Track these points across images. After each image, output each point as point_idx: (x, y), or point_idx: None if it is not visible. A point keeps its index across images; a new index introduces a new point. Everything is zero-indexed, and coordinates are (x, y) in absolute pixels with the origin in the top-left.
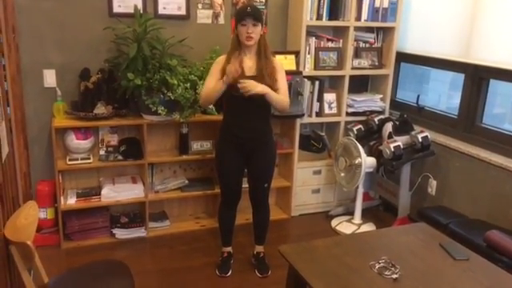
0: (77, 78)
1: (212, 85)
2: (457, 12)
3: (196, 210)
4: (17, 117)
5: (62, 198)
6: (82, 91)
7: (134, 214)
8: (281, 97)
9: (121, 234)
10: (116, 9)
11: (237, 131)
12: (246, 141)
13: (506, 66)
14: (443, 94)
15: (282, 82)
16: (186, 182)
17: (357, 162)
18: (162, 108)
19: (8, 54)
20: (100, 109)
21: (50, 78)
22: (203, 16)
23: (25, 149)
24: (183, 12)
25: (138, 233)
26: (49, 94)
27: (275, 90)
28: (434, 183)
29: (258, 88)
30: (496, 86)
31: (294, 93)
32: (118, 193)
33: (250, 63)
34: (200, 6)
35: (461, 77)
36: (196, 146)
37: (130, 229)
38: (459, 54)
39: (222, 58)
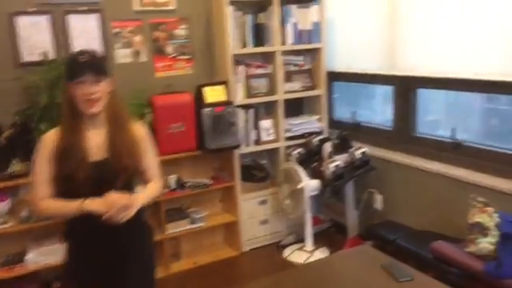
0: None
1: (44, 177)
2: (378, 26)
3: None
4: None
5: None
6: None
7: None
8: (153, 189)
9: None
10: (24, 57)
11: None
12: (102, 255)
13: (431, 74)
14: (378, 108)
15: (150, 158)
16: None
17: (299, 186)
18: None
19: None
20: (16, 166)
21: None
22: (122, 55)
23: None
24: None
25: None
26: None
27: (141, 172)
28: (379, 198)
29: (131, 210)
30: (428, 94)
31: (227, 124)
32: (47, 256)
33: (97, 139)
34: (118, 45)
35: (390, 89)
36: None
37: None
38: (386, 67)
39: (51, 135)
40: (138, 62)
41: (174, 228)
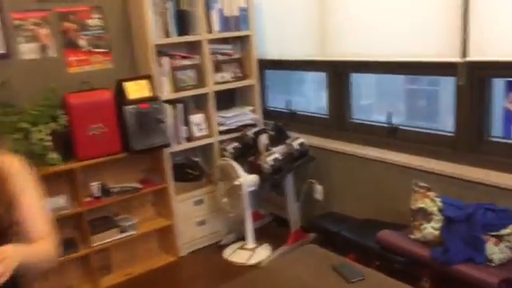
0: None
1: None
2: (307, 12)
3: (64, 279)
4: None
5: None
6: None
7: None
8: (38, 250)
9: None
10: None
11: None
12: None
13: (362, 57)
14: (313, 96)
15: (28, 205)
16: None
17: (237, 183)
18: None
19: None
20: None
21: None
22: (28, 50)
23: None
24: (2, 50)
25: None
26: None
27: (14, 227)
28: (319, 188)
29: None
30: (361, 79)
31: (154, 122)
32: None
33: None
34: (21, 39)
35: (323, 76)
36: (48, 204)
37: None
38: (318, 53)
39: None
40: (47, 57)
41: (102, 239)
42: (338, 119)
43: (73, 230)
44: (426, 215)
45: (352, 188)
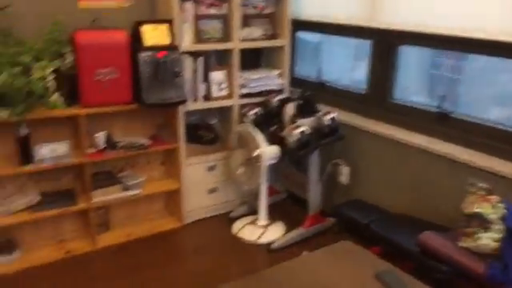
0: None
1: None
2: None
3: (58, 231)
4: None
5: None
6: None
7: None
8: None
9: None
10: None
11: None
12: None
13: (417, 28)
14: (349, 67)
15: None
16: (38, 198)
17: (256, 154)
18: None
19: None
20: None
21: None
22: None
23: None
24: None
25: None
26: None
27: None
28: (346, 171)
29: None
30: (412, 52)
31: (170, 74)
32: None
33: None
34: None
35: (366, 45)
36: (44, 151)
37: None
38: (365, 17)
39: None
40: None
41: (103, 195)
42: (378, 96)
43: (72, 181)
44: (483, 222)
45: (384, 176)
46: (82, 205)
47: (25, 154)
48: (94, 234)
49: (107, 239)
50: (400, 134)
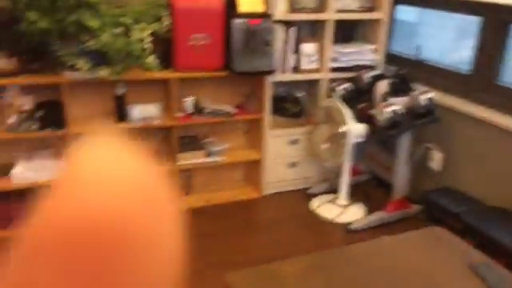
0: None
1: None
2: None
3: None
4: None
5: None
6: None
7: None
8: None
9: None
10: None
11: None
12: None
13: None
14: (449, 45)
15: None
16: None
17: (342, 130)
18: (84, 62)
19: None
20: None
21: None
22: None
23: None
24: None
25: None
26: None
27: None
28: (438, 157)
29: None
30: None
31: (261, 42)
32: (37, 172)
33: None
34: None
35: (472, 22)
36: (136, 110)
37: None
38: None
39: None
40: None
41: (187, 159)
42: (483, 78)
43: (160, 142)
44: None
45: (481, 166)
46: (167, 166)
47: (120, 112)
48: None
49: (187, 202)
50: (506, 121)
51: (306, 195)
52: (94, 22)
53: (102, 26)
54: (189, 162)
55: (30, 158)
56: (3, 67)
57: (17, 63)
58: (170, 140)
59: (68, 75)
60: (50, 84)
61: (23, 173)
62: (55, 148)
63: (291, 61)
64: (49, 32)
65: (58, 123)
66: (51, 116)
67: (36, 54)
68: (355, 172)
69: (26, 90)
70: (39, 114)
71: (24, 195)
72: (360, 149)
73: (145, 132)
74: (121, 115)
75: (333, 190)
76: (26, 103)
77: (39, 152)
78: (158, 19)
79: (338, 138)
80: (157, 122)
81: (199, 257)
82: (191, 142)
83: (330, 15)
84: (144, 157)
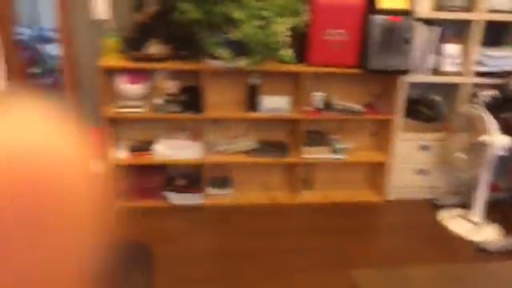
0: (130, 9)
1: None
2: None
3: (267, 179)
4: (67, 53)
5: (112, 150)
6: (134, 26)
7: (193, 177)
8: None
9: (175, 198)
10: None
11: None
12: None
13: None
14: None
15: None
16: (255, 145)
17: (483, 140)
18: (225, 51)
19: None
20: (153, 48)
21: (100, 6)
22: None
23: (73, 91)
24: None
25: (194, 199)
26: (99, 28)
27: None
28: None
29: None
30: None
31: (399, 40)
32: (174, 150)
33: None
34: None
35: None
36: (267, 101)
37: (185, 194)
38: None
39: None
40: None
41: (312, 153)
42: None
43: (287, 134)
44: None
45: None
46: (292, 158)
47: (251, 102)
48: (297, 189)
49: (308, 196)
50: None
51: (432, 205)
52: (238, 14)
53: (245, 17)
54: (313, 156)
55: (169, 137)
56: (156, 52)
57: (167, 50)
58: (297, 133)
59: (209, 63)
60: (193, 70)
61: (163, 150)
62: (191, 130)
63: (430, 61)
64: (198, 22)
65: (197, 107)
66: (192, 100)
67: (184, 42)
68: (493, 188)
69: (173, 74)
70: (182, 98)
71: (164, 169)
72: (502, 163)
73: (273, 124)
74: (252, 105)
75: (464, 205)
76: (172, 87)
77: (177, 132)
78: (298, 13)
79: (477, 149)
80: (286, 115)
81: (315, 253)
82: (317, 137)
83: (480, 15)
84: (57, 117)
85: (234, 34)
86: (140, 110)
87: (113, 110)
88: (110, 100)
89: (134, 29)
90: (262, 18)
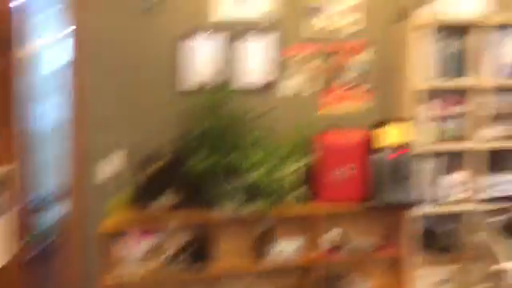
0: (140, 164)
1: None
2: None
3: None
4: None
5: None
6: (142, 180)
7: None
8: None
9: None
10: (182, 85)
11: None
12: None
13: None
14: None
15: None
16: None
17: (499, 267)
18: (234, 200)
19: None
20: (162, 201)
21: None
22: (288, 86)
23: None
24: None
25: None
26: (105, 187)
27: None
28: None
29: None
30: None
31: (402, 175)
32: None
33: None
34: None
35: None
36: (278, 247)
37: None
38: None
39: None
40: (303, 94)
41: None
42: None
43: (300, 280)
44: None
45: None
46: None
47: (259, 248)
48: None
49: None
50: None
51: None
52: (252, 160)
53: (254, 164)
54: None
55: None
56: (166, 205)
57: (175, 201)
58: (307, 280)
59: (217, 214)
60: (201, 222)
61: None
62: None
63: (433, 192)
64: (211, 171)
65: (203, 262)
66: (198, 255)
67: (191, 193)
68: None
69: (180, 228)
70: (187, 253)
71: None
72: None
73: (281, 271)
74: (260, 252)
75: None
76: (176, 244)
77: None
78: (304, 155)
79: (495, 278)
80: (295, 261)
81: None
82: (329, 284)
83: (477, 144)
84: None
85: (243, 181)
86: (141, 274)
87: (112, 277)
88: (109, 266)
89: (143, 183)
90: (271, 163)
